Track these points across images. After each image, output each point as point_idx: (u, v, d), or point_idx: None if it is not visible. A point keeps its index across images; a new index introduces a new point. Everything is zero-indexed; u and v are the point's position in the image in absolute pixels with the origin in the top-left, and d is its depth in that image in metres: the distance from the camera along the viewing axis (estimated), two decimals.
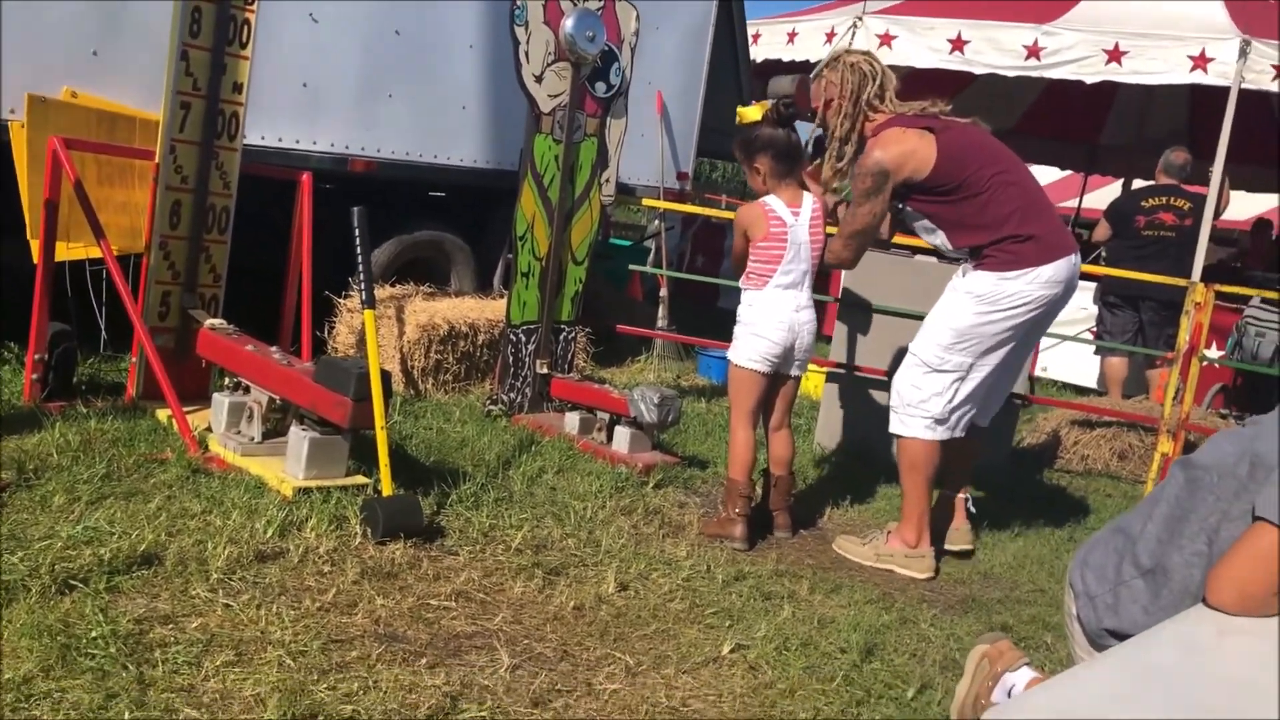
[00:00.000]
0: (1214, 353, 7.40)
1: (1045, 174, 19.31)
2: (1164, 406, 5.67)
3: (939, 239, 4.18)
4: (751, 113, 4.27)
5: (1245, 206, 14.95)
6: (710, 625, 3.35)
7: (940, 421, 4.11)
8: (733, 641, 3.22)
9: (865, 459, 5.65)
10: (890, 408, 4.23)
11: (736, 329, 4.25)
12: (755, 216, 4.19)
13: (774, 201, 4.18)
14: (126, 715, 2.32)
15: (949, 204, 4.04)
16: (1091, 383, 8.71)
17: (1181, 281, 5.64)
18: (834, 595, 3.77)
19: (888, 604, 3.77)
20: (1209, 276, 6.10)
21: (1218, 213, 7.02)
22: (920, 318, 5.47)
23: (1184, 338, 5.55)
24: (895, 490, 5.15)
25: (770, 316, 4.17)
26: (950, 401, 4.10)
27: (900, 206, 4.19)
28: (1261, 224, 13.19)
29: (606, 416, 5.03)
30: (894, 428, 4.20)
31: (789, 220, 4.15)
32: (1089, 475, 6.20)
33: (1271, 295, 7.09)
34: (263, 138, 5.24)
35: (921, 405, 4.11)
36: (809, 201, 4.22)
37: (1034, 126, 12.83)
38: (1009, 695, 2.09)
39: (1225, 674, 1.35)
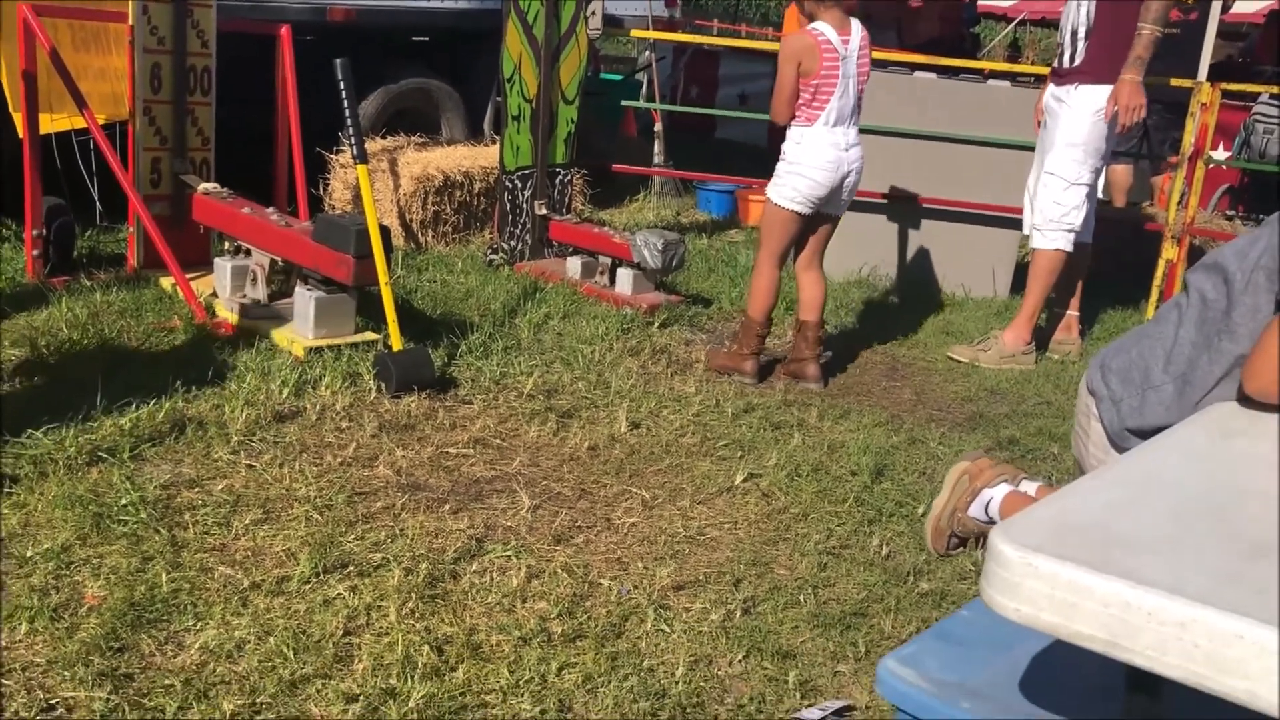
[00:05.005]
0: (1221, 154, 7.29)
1: None
2: (1168, 212, 5.63)
3: (1080, 48, 4.47)
4: None
5: None
6: (722, 457, 3.42)
7: (1075, 234, 4.60)
8: (745, 471, 3.30)
9: (869, 284, 5.66)
10: (1033, 227, 4.66)
11: (780, 166, 4.02)
12: (808, 46, 3.88)
13: (825, 29, 3.88)
14: (164, 576, 2.41)
15: (1132, 18, 4.32)
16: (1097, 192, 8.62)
17: (1186, 82, 5.51)
18: (842, 421, 3.84)
19: (896, 426, 3.84)
20: (1215, 75, 5.94)
21: (1225, 6, 6.79)
22: (919, 136, 5.42)
23: (1189, 140, 5.46)
24: (904, 314, 5.19)
25: (818, 155, 3.94)
26: (1083, 213, 4.57)
27: None
28: (1275, 15, 12.76)
29: (608, 259, 5.01)
30: (1036, 243, 4.65)
31: (841, 51, 3.89)
32: (1094, 286, 6.19)
33: None
34: None
35: (1063, 219, 4.55)
36: (857, 30, 3.96)
37: None
38: (985, 510, 2.15)
39: (1225, 478, 1.39)
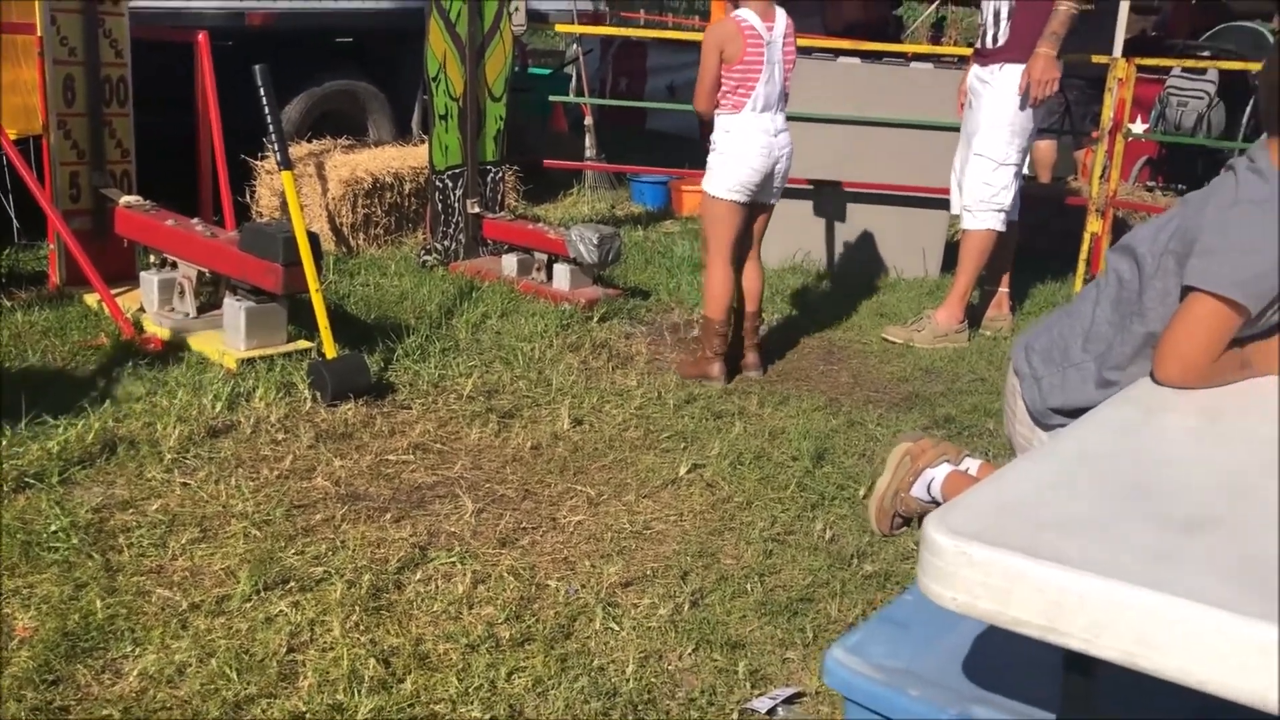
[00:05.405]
0: (1139, 127, 7.44)
1: None
2: (1091, 186, 5.73)
3: (1003, 28, 4.54)
4: None
5: None
6: (666, 449, 3.42)
7: (1005, 213, 4.67)
8: (689, 462, 3.30)
9: (803, 270, 5.70)
10: (964, 208, 4.73)
11: (711, 158, 3.98)
12: (730, 33, 3.85)
13: (748, 15, 3.86)
14: (98, 602, 2.35)
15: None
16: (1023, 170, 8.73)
17: (1103, 58, 5.61)
18: (783, 406, 3.86)
19: (835, 409, 3.86)
20: (1130, 50, 6.06)
21: None
22: (846, 121, 5.45)
23: (1108, 115, 5.56)
24: (839, 298, 5.23)
25: (749, 142, 3.90)
26: (1012, 193, 4.65)
27: None
28: None
29: (544, 256, 4.99)
30: (968, 223, 4.73)
31: (765, 37, 3.87)
32: (1022, 259, 6.29)
33: (1192, 64, 7.09)
34: None
35: (994, 199, 4.62)
36: (781, 17, 3.95)
37: None
38: (928, 490, 2.18)
39: (1155, 454, 1.41)
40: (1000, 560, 1.08)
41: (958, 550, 1.09)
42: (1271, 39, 7.90)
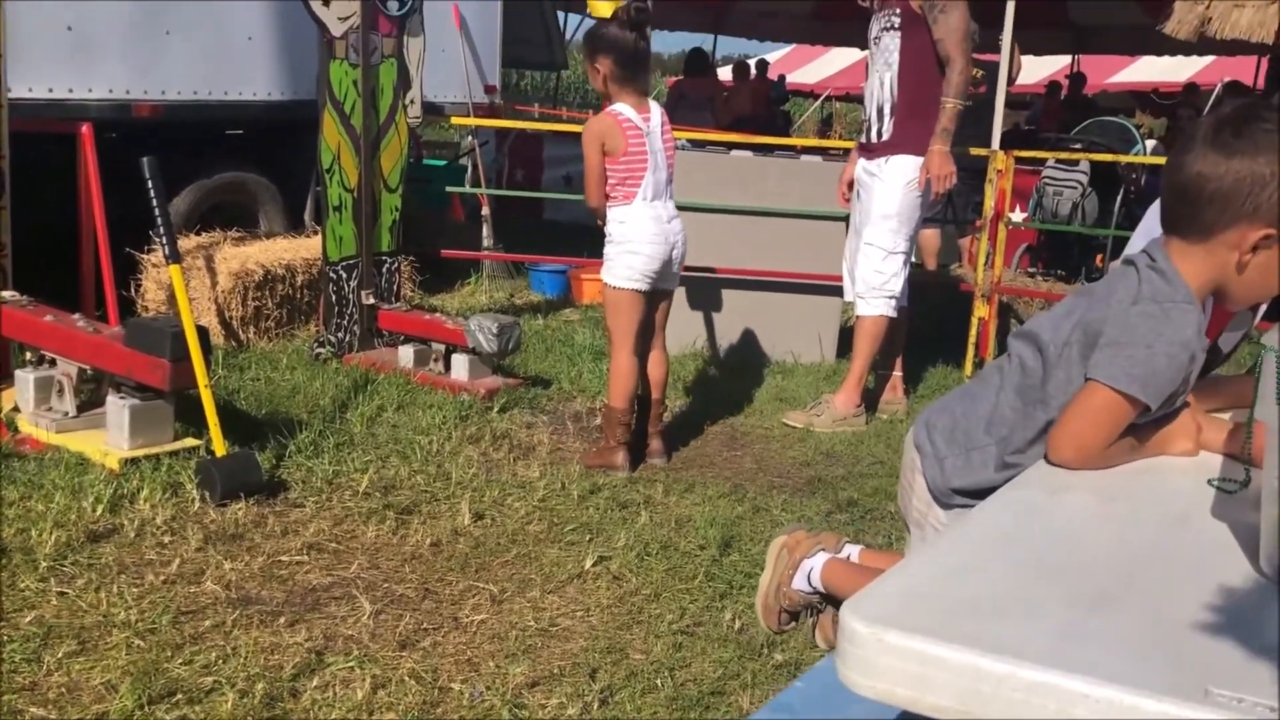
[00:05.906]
0: (1018, 215, 7.76)
1: (844, 54, 19.68)
2: (976, 272, 5.93)
3: (887, 123, 4.67)
4: (602, 8, 4.13)
5: (1036, 70, 15.60)
6: (571, 542, 3.37)
7: (896, 299, 4.81)
8: (594, 555, 3.25)
9: (702, 356, 5.74)
10: (857, 296, 4.86)
11: (608, 249, 4.01)
12: (609, 127, 3.91)
13: (624, 109, 3.93)
14: None
15: (938, 71, 4.62)
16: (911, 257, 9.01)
17: (984, 151, 5.86)
18: (688, 494, 3.84)
19: (739, 496, 3.86)
20: (1006, 143, 6.35)
21: (1011, 80, 7.27)
22: (740, 212, 5.58)
23: (989, 204, 5.79)
24: (739, 383, 5.27)
25: (644, 229, 3.94)
26: (902, 280, 4.80)
27: (893, 27, 4.70)
28: (1053, 87, 13.79)
29: (442, 346, 4.93)
30: (861, 310, 4.84)
31: (644, 128, 3.95)
32: (913, 347, 6.45)
33: (1066, 156, 7.46)
34: (30, 90, 4.84)
35: (884, 287, 4.76)
36: (656, 110, 4.04)
37: None
38: (808, 579, 2.18)
39: (1061, 533, 1.43)
40: (915, 646, 1.06)
41: (874, 637, 1.08)
42: (1136, 132, 8.37)
